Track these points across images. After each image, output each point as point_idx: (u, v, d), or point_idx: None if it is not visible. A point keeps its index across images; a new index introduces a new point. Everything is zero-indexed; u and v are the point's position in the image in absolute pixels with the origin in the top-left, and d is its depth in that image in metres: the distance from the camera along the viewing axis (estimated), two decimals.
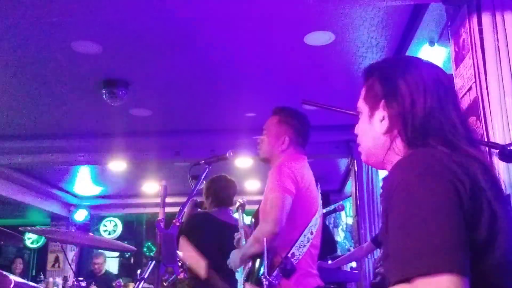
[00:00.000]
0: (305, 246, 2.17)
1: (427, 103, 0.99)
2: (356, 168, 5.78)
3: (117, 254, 10.99)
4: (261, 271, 1.95)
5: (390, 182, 0.90)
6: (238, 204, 2.75)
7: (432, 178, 0.84)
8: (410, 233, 0.81)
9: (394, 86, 1.02)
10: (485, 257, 0.84)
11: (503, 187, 0.92)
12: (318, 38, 3.60)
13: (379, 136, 1.05)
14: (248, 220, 2.63)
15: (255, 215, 2.43)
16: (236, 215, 3.04)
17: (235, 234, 2.53)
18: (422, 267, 0.78)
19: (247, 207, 2.76)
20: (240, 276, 2.33)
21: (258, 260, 2.14)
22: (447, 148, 0.94)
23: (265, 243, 1.91)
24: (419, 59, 1.12)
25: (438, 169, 0.86)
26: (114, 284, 6.00)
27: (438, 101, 0.99)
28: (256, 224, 2.33)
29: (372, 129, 1.07)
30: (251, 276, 2.16)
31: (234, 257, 2.25)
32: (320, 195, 2.40)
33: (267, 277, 1.92)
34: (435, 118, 0.98)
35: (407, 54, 3.62)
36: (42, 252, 10.26)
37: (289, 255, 2.10)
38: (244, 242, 2.41)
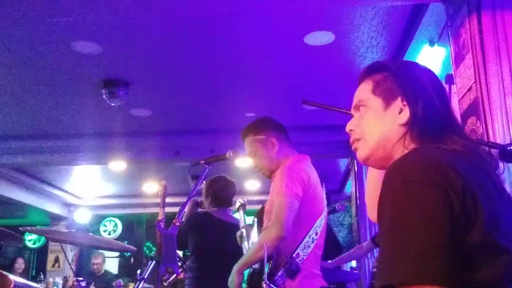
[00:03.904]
0: (309, 246, 2.16)
1: (436, 103, 1.05)
2: (356, 168, 5.78)
3: (117, 254, 10.98)
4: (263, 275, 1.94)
5: (383, 185, 0.89)
6: (238, 204, 2.73)
7: (418, 184, 0.84)
8: (393, 240, 0.82)
9: (411, 83, 1.07)
10: (491, 259, 0.82)
11: (503, 184, 0.95)
12: (318, 38, 3.60)
13: (396, 127, 1.05)
14: (249, 219, 2.61)
15: (259, 215, 2.41)
16: (236, 215, 3.03)
17: (237, 232, 2.51)
18: (400, 277, 0.78)
19: (247, 207, 2.75)
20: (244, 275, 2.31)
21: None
22: (449, 145, 0.96)
23: (265, 250, 1.90)
24: (417, 63, 1.21)
25: (427, 173, 0.85)
26: (114, 284, 6.00)
27: (443, 103, 1.06)
28: (259, 224, 2.31)
29: (387, 119, 1.07)
30: (255, 278, 2.13)
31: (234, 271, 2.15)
32: (325, 195, 2.39)
33: (267, 282, 1.91)
34: (442, 118, 1.04)
35: (407, 54, 3.63)
36: (42, 252, 10.26)
37: (294, 255, 2.08)
38: (246, 242, 2.40)
